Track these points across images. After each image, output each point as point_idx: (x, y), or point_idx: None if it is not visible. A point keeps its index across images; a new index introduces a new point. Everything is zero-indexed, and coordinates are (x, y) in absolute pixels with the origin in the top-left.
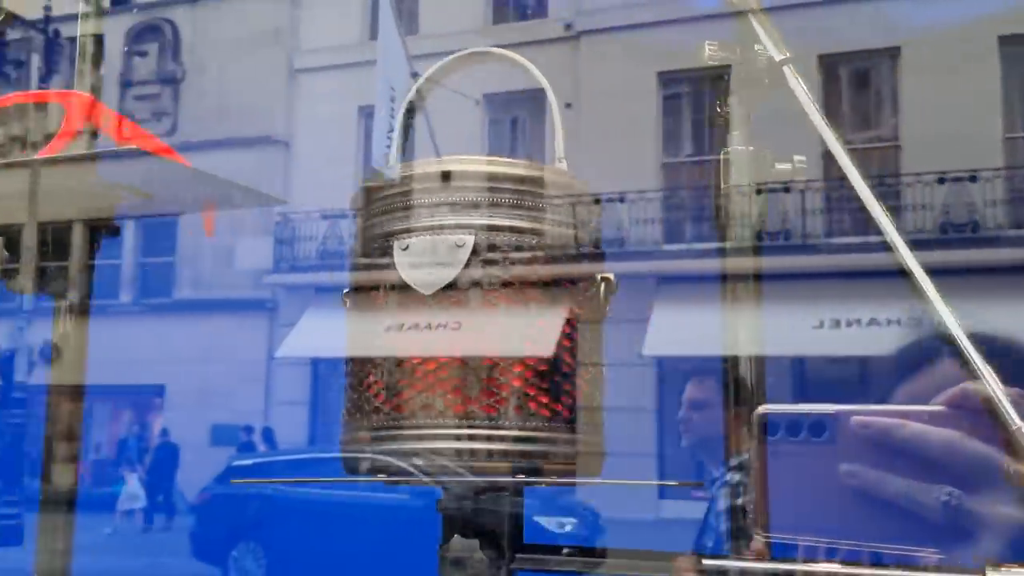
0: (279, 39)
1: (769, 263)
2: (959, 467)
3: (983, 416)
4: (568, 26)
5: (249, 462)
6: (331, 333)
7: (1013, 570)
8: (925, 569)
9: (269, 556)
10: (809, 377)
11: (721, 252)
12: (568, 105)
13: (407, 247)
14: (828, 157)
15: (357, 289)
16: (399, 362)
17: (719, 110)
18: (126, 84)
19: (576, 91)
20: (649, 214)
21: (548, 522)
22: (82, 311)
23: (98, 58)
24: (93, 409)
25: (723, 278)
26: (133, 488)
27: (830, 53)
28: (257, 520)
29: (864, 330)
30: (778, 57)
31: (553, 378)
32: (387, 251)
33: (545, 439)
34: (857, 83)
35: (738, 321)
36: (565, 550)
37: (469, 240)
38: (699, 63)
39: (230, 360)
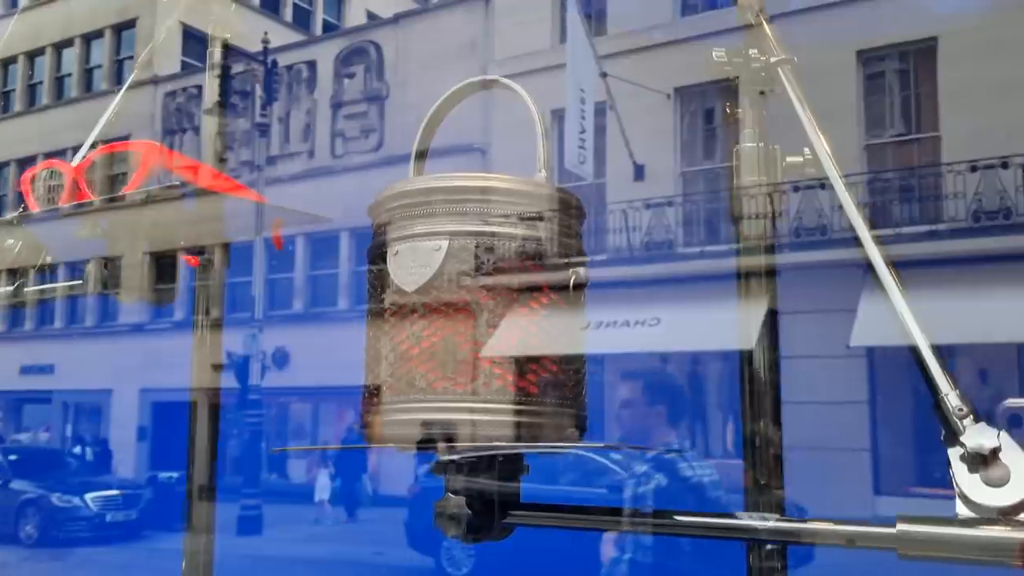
0: (474, 51)
1: (989, 245)
2: None
3: None
4: (759, 12)
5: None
6: (531, 334)
7: (922, 525)
8: (843, 523)
9: (478, 547)
10: None
11: (932, 236)
12: (761, 93)
13: (396, 252)
14: None
15: (552, 289)
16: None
17: (727, 111)
18: (336, 105)
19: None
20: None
21: (751, 517)
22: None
23: (312, 83)
24: (320, 409)
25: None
26: (323, 480)
27: None
28: None
29: None
30: (774, 59)
31: (518, 359)
32: (385, 255)
33: (510, 411)
34: None
35: (954, 308)
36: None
37: (444, 244)
38: (903, 38)
39: None
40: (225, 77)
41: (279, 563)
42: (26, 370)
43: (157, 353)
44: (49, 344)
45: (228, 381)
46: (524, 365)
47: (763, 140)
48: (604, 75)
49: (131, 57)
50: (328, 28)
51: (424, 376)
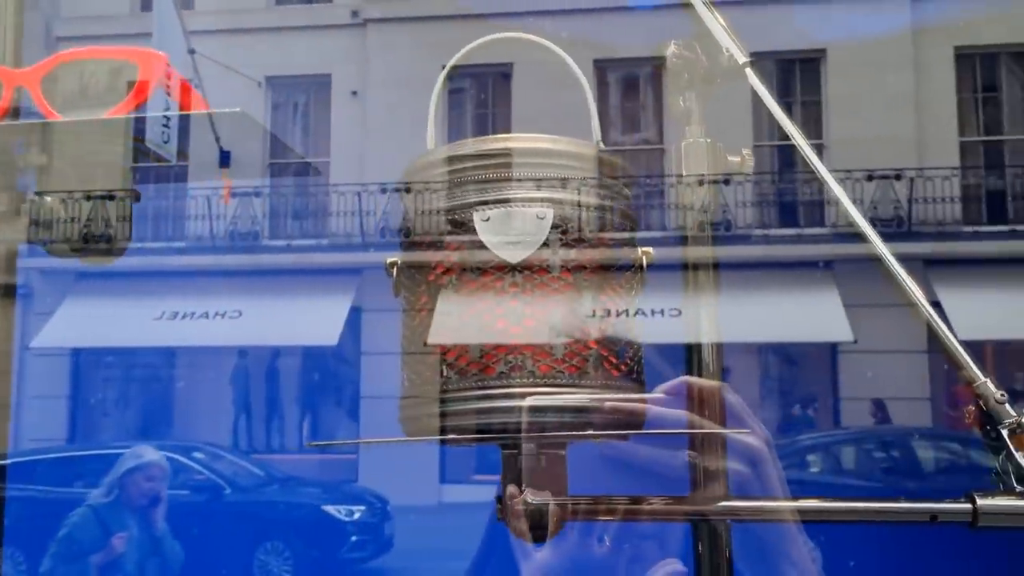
0: (37, 3)
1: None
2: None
3: (694, 400)
4: (355, 13)
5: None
6: (92, 323)
7: (999, 498)
8: (913, 501)
9: None
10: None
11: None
12: (354, 93)
13: (488, 218)
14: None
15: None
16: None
17: (680, 104)
18: None
19: (363, 79)
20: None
21: (338, 511)
22: None
23: None
24: None
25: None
26: None
27: None
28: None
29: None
30: (742, 60)
31: (612, 339)
32: (460, 224)
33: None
34: None
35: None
36: None
37: (549, 213)
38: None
39: None
40: None
41: None
42: None
43: None
44: None
45: None
46: (619, 346)
47: (708, 137)
48: (192, 52)
49: None
50: None
51: (530, 358)
